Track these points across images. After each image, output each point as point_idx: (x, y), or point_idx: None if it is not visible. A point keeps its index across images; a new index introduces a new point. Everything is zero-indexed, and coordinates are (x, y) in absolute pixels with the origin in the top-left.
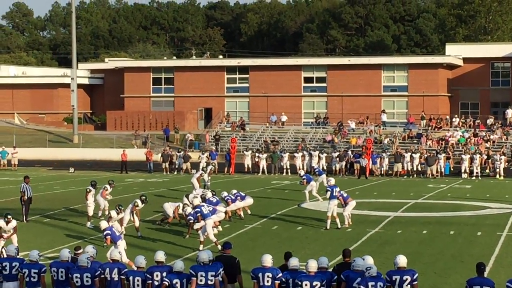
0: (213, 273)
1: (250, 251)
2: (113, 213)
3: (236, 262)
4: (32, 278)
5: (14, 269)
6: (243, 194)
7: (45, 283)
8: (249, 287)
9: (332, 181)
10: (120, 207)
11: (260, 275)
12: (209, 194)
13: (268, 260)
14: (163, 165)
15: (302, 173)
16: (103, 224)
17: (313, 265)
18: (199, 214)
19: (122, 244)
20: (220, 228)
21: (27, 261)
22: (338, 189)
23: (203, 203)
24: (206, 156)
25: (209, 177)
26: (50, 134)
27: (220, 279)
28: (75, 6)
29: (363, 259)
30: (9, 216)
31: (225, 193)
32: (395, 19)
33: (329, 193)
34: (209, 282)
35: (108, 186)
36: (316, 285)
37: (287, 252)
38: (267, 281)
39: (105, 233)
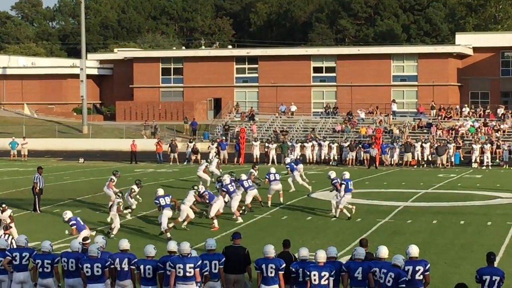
0: (192, 265)
1: (260, 242)
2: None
3: (245, 253)
4: (45, 269)
5: (24, 259)
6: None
7: (59, 274)
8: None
9: (347, 174)
10: (119, 194)
11: (263, 266)
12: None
13: (271, 251)
14: (171, 155)
15: (288, 160)
16: (68, 214)
17: (321, 256)
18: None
19: (86, 232)
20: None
21: (39, 251)
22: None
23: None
24: (216, 147)
25: (220, 170)
26: (60, 125)
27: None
28: None
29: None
30: (3, 205)
31: (244, 176)
32: (405, 8)
33: (343, 186)
34: (187, 274)
35: (113, 177)
36: (325, 275)
37: (285, 240)
38: (271, 272)
39: (70, 223)
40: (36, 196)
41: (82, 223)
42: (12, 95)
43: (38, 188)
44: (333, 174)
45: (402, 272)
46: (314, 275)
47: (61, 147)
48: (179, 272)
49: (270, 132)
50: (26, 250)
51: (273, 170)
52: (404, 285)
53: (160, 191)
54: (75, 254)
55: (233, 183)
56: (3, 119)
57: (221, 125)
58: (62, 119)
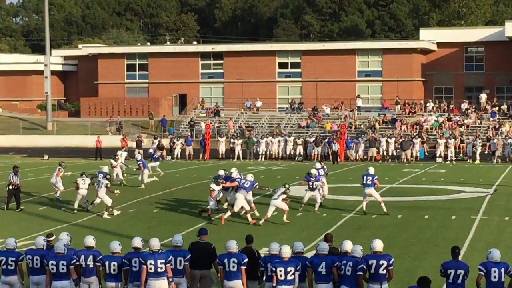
0: (163, 261)
1: (226, 237)
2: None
3: (211, 248)
4: (9, 266)
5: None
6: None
7: (23, 271)
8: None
9: (371, 170)
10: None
11: (226, 261)
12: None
13: (233, 246)
14: (136, 151)
15: (139, 157)
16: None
17: (286, 251)
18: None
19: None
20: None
21: (3, 248)
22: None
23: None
24: (181, 142)
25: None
26: (24, 121)
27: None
28: None
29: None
30: None
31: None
32: (369, 4)
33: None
34: (159, 270)
35: (60, 167)
36: (291, 270)
37: (248, 235)
38: (233, 267)
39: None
40: (9, 195)
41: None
42: None
43: (10, 187)
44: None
45: (360, 260)
46: (280, 270)
47: (25, 143)
48: (150, 268)
49: (236, 127)
50: None
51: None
52: (361, 272)
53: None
54: (40, 251)
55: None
56: None
57: (187, 121)
58: (26, 116)
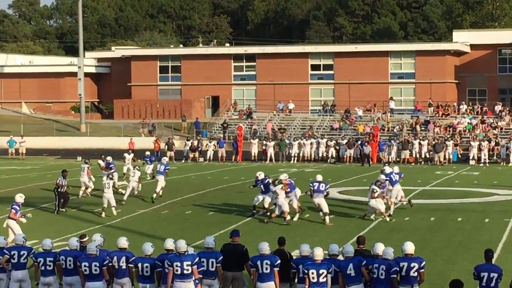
0: (189, 263)
1: (258, 239)
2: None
3: (243, 250)
4: (48, 267)
5: (23, 258)
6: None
7: (61, 271)
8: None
9: (396, 168)
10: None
11: (258, 262)
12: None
13: (266, 247)
14: (168, 153)
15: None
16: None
17: (319, 253)
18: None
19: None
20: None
21: (39, 250)
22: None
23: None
24: (214, 144)
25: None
26: (58, 123)
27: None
28: None
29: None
30: None
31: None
32: (402, 6)
33: (396, 176)
34: (185, 272)
35: (86, 165)
36: (323, 273)
37: (280, 237)
38: (266, 269)
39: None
40: (57, 198)
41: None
42: (10, 94)
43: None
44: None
45: (393, 263)
46: (312, 273)
47: (59, 145)
48: (177, 270)
49: (261, 128)
50: (24, 249)
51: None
52: (395, 275)
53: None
54: (73, 252)
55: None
56: (1, 117)
57: (220, 123)
58: (60, 118)
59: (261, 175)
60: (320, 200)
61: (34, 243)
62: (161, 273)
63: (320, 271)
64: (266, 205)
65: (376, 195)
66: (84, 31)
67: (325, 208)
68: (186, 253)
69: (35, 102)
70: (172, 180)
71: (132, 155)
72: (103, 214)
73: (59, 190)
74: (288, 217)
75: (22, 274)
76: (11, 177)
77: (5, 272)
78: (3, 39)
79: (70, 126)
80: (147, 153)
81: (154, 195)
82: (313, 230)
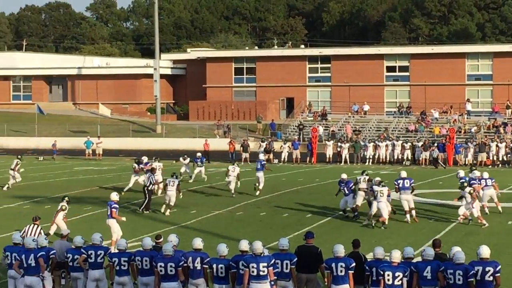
0: (265, 264)
1: (333, 241)
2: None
3: (318, 252)
4: (122, 267)
5: (100, 257)
6: None
7: (135, 271)
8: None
9: (486, 174)
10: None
11: (333, 265)
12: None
13: (341, 250)
14: (243, 155)
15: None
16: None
17: (396, 256)
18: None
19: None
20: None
21: (115, 249)
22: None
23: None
24: (288, 146)
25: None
26: (134, 124)
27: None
28: None
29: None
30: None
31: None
32: (480, 6)
33: (488, 181)
34: (261, 273)
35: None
36: (399, 275)
37: (355, 240)
38: (341, 271)
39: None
40: (147, 196)
41: None
42: (87, 95)
43: (151, 187)
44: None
45: (469, 267)
46: (388, 275)
47: (135, 146)
48: (253, 272)
49: (343, 131)
50: (101, 248)
51: (403, 173)
52: (472, 279)
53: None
54: (149, 253)
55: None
56: (79, 118)
57: (294, 124)
58: (136, 119)
59: (344, 175)
60: (407, 197)
61: (109, 243)
62: (236, 274)
63: (396, 274)
64: (353, 205)
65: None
66: (160, 33)
67: (412, 204)
68: (262, 254)
69: (112, 103)
70: (246, 182)
71: (188, 159)
72: (168, 212)
73: (149, 188)
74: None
75: (99, 274)
76: (88, 178)
77: (83, 272)
78: (80, 41)
79: (146, 127)
80: (198, 154)
81: (257, 193)
82: (389, 232)
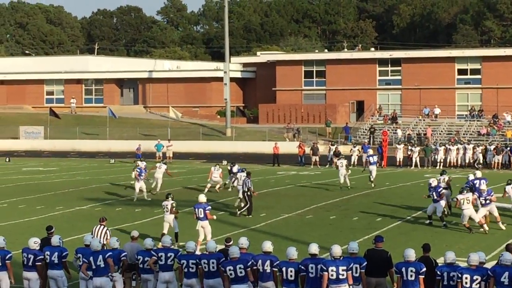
0: (344, 268)
1: (402, 245)
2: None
3: (387, 256)
4: (191, 269)
5: (170, 260)
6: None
7: (202, 275)
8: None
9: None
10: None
11: (403, 269)
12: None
13: (412, 254)
14: (313, 158)
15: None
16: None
17: (475, 259)
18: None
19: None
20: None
21: (183, 252)
22: None
23: None
24: (358, 149)
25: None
26: (204, 127)
27: (356, 274)
28: (228, 0)
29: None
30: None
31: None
32: None
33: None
34: (340, 277)
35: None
36: (477, 279)
37: (425, 244)
38: (411, 276)
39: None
40: (248, 201)
41: None
42: (157, 98)
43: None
44: None
45: None
46: (466, 278)
47: (204, 149)
48: (332, 275)
49: (413, 135)
50: (171, 251)
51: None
52: None
53: None
54: (215, 255)
55: None
56: (149, 122)
57: (365, 128)
58: (206, 122)
59: (434, 182)
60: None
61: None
62: (305, 277)
63: (474, 277)
64: (439, 214)
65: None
66: (230, 37)
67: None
68: (341, 258)
69: (182, 106)
70: (318, 185)
71: (236, 165)
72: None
73: (248, 193)
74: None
75: (169, 276)
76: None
77: (153, 273)
78: (151, 45)
79: (215, 130)
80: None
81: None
82: (460, 237)
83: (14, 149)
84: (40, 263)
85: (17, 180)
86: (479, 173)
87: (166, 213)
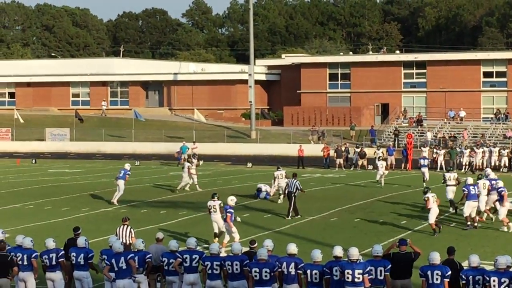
0: (360, 271)
1: (427, 248)
2: None
3: (412, 259)
4: (215, 271)
5: (194, 262)
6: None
7: (226, 277)
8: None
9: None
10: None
11: (429, 273)
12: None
13: (437, 257)
14: (337, 160)
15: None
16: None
17: (503, 262)
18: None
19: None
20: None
21: (208, 254)
22: None
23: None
24: (382, 152)
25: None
26: (228, 130)
27: (381, 277)
28: (253, 3)
29: None
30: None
31: None
32: None
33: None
34: (356, 280)
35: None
36: (505, 281)
37: (450, 247)
38: (436, 279)
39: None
40: (289, 200)
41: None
42: (182, 101)
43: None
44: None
45: None
46: (494, 280)
47: (229, 151)
48: (348, 278)
49: (446, 137)
50: (196, 253)
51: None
52: None
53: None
54: (239, 257)
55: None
56: (174, 124)
57: (389, 130)
58: (230, 124)
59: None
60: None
61: (204, 247)
62: (329, 280)
63: (502, 280)
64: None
65: None
66: (255, 39)
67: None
68: (358, 261)
69: (207, 109)
70: (342, 188)
71: (284, 171)
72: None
73: (295, 194)
74: None
75: (194, 277)
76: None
77: (178, 275)
78: (177, 47)
79: (240, 133)
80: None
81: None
82: (486, 240)
83: (40, 151)
84: (62, 259)
85: (43, 181)
86: (470, 180)
87: (214, 213)
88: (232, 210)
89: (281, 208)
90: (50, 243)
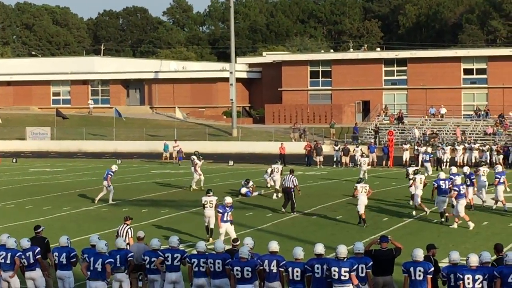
0: (347, 269)
1: (409, 245)
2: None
3: (393, 256)
4: (201, 268)
5: (176, 260)
6: None
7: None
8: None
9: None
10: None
11: (411, 269)
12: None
13: (420, 254)
14: (316, 158)
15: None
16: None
17: (474, 260)
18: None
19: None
20: None
21: (194, 251)
22: None
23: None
24: (361, 149)
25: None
26: (210, 128)
27: (362, 274)
28: (234, 1)
29: None
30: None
31: None
32: None
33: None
34: (342, 278)
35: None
36: (479, 278)
37: (429, 244)
38: (419, 276)
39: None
40: (288, 198)
41: None
42: (164, 99)
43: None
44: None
45: None
46: (468, 278)
47: (211, 149)
48: (334, 275)
49: (419, 135)
50: (178, 251)
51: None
52: None
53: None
54: (221, 255)
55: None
56: (156, 122)
57: (371, 128)
58: (212, 122)
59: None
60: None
61: (187, 245)
62: (311, 278)
63: (476, 277)
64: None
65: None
66: (236, 37)
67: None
68: (345, 259)
69: (188, 107)
70: (323, 185)
71: (281, 166)
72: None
73: (293, 190)
74: None
75: (175, 276)
76: (165, 181)
77: (160, 274)
78: (157, 45)
79: (222, 131)
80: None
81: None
82: (467, 237)
83: (21, 150)
84: (39, 256)
85: (24, 180)
86: (442, 175)
87: (208, 208)
88: (221, 211)
89: (262, 206)
90: (25, 243)
